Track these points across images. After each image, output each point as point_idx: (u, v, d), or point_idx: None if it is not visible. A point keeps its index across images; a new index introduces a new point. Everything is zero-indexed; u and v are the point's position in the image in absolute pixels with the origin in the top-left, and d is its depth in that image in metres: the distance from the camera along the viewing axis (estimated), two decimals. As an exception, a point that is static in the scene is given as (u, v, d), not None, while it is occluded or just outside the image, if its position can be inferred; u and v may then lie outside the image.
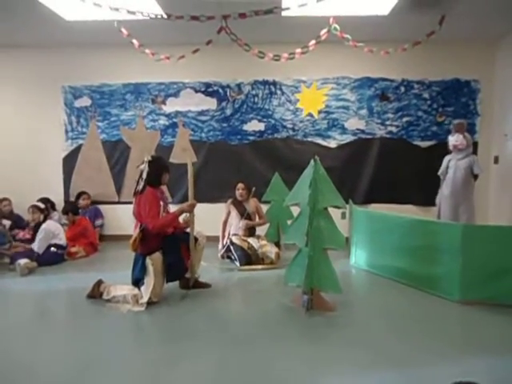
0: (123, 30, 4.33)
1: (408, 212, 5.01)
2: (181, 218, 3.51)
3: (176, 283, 3.49)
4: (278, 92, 5.65)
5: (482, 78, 5.44)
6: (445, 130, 5.50)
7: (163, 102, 5.75)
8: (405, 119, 5.59)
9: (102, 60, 5.71)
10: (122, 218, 5.65)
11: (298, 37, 4.59)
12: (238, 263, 4.37)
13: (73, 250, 4.79)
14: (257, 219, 4.85)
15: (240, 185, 4.77)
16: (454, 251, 3.26)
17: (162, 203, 3.29)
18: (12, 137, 5.84)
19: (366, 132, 5.62)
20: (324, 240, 3.00)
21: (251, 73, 5.59)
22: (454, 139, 4.58)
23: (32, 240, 4.51)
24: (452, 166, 4.59)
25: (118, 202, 5.82)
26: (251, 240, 4.57)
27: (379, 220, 4.11)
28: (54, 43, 5.53)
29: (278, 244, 4.89)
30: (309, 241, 2.97)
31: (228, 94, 5.70)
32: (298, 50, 4.31)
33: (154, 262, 3.16)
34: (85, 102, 5.81)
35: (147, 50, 4.46)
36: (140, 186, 3.26)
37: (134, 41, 4.40)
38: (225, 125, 5.73)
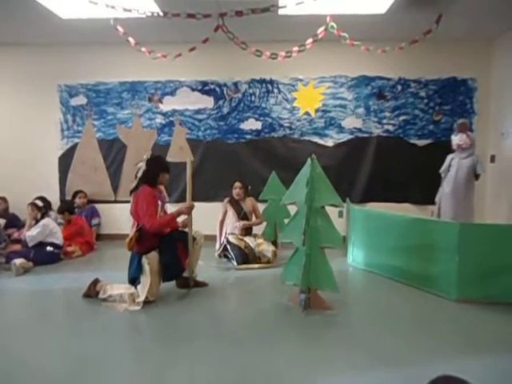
0: (119, 28, 4.31)
1: (405, 210, 5.01)
2: (179, 220, 3.49)
3: (172, 282, 3.48)
4: (275, 90, 5.64)
5: (479, 77, 5.45)
6: (441, 128, 5.52)
7: (160, 101, 5.73)
8: (402, 118, 5.59)
9: (98, 58, 5.67)
10: (118, 217, 5.63)
11: (295, 35, 4.58)
12: (235, 262, 4.36)
13: (69, 249, 4.77)
14: (253, 218, 4.85)
15: (237, 184, 4.77)
16: (450, 250, 3.27)
17: (159, 202, 3.28)
18: (7, 135, 5.81)
19: (363, 131, 5.62)
20: (321, 238, 3.00)
21: (248, 71, 5.57)
22: (457, 139, 4.62)
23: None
24: (455, 165, 4.62)
25: (115, 201, 5.80)
26: (247, 239, 4.57)
27: (376, 218, 4.11)
28: (50, 41, 5.49)
29: (275, 243, 4.88)
30: (306, 239, 2.97)
31: (225, 92, 5.68)
32: (295, 49, 4.30)
33: (150, 261, 3.15)
34: (81, 100, 5.78)
35: (143, 48, 4.44)
36: (133, 184, 3.25)
37: (131, 39, 4.38)
38: (222, 123, 5.72)
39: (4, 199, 5.50)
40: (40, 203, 4.64)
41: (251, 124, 5.70)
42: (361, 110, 5.59)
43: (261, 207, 4.99)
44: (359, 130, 5.62)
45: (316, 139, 5.66)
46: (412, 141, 5.60)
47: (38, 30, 5.07)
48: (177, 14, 3.94)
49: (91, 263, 4.57)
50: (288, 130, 5.67)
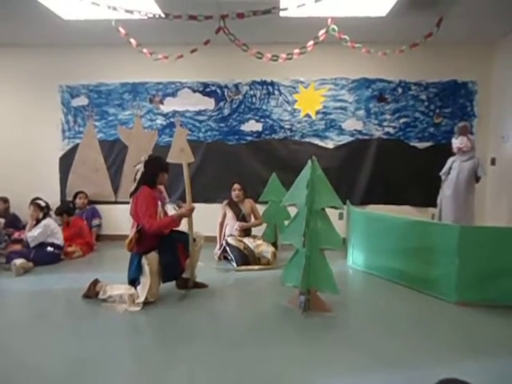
0: (121, 30, 4.32)
1: (405, 213, 5.02)
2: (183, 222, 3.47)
3: (172, 283, 3.48)
4: (276, 92, 5.65)
5: (479, 80, 5.45)
6: (442, 131, 5.53)
7: (161, 102, 5.74)
8: (402, 120, 5.60)
9: (100, 59, 5.69)
10: (119, 218, 5.63)
11: (296, 37, 4.59)
12: (234, 264, 4.36)
13: (70, 249, 4.76)
14: (252, 220, 4.85)
15: (236, 185, 4.77)
16: (450, 252, 3.27)
17: (159, 203, 3.28)
18: (8, 136, 5.82)
19: (364, 133, 5.63)
20: (321, 240, 3.00)
21: (249, 73, 5.59)
22: (458, 142, 4.61)
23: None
24: (456, 168, 4.61)
25: (115, 202, 5.80)
26: (247, 240, 4.57)
27: (376, 221, 4.11)
28: (52, 42, 5.51)
29: (275, 244, 4.88)
30: (306, 241, 2.97)
31: (226, 94, 5.70)
32: (296, 51, 4.32)
33: (149, 261, 3.15)
34: (82, 101, 5.79)
35: (145, 50, 4.45)
36: (133, 187, 3.25)
37: (132, 40, 4.39)
38: (222, 125, 5.73)
39: (5, 199, 5.51)
40: (42, 203, 4.63)
41: (252, 126, 5.71)
42: (361, 113, 5.60)
43: (261, 209, 4.99)
44: (360, 132, 5.63)
45: (316, 141, 5.66)
46: (412, 143, 5.61)
47: (40, 31, 5.09)
48: (178, 16, 3.95)
49: (91, 264, 4.57)
50: (289, 131, 5.68)
